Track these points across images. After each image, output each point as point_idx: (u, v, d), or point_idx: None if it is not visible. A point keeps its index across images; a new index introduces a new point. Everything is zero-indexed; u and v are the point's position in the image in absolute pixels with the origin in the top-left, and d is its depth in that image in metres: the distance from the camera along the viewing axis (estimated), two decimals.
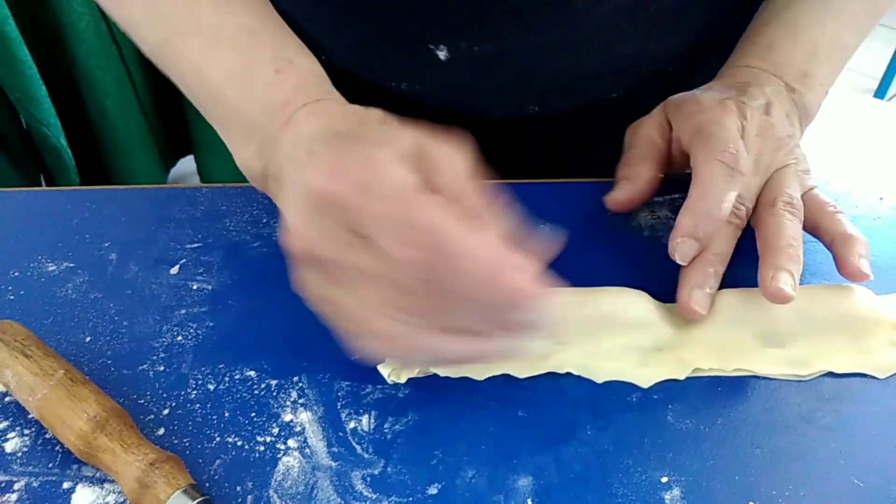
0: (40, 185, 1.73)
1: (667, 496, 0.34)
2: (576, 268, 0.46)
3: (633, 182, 0.47)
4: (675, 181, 0.49)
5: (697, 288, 0.41)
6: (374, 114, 0.37)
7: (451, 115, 0.58)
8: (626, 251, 0.47)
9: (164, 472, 0.33)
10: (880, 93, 2.20)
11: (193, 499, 0.32)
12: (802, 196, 0.44)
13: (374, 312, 0.33)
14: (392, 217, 0.31)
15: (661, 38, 0.54)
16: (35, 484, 0.35)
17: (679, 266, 0.42)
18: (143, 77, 1.70)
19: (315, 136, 0.35)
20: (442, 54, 0.52)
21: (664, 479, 0.35)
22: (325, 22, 0.52)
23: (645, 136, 0.48)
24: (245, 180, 0.44)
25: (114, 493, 0.35)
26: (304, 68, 0.42)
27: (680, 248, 0.41)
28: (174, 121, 1.83)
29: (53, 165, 1.66)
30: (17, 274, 0.45)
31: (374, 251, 0.32)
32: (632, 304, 0.41)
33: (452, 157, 0.34)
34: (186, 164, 1.96)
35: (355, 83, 0.45)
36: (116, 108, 1.65)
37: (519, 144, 0.62)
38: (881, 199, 0.51)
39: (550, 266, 0.46)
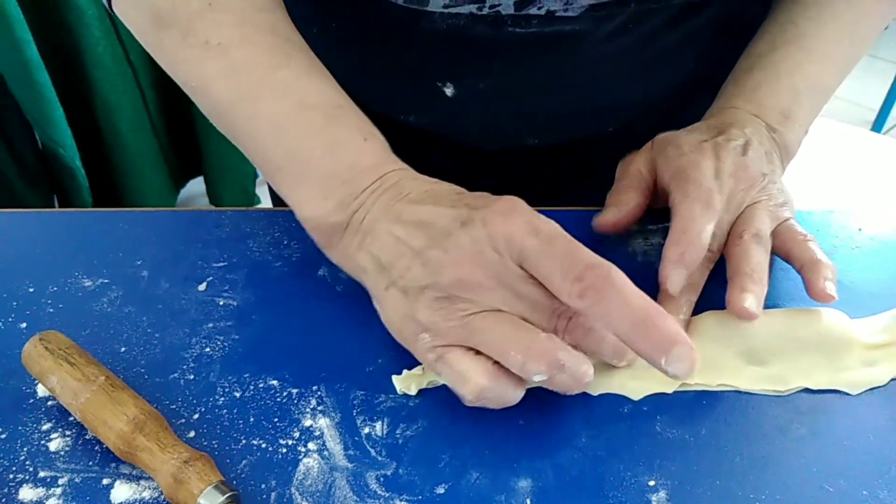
0: (53, 205, 1.77)
1: (654, 498, 0.37)
2: None
3: (619, 208, 0.50)
4: (665, 212, 0.53)
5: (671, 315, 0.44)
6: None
7: (455, 145, 0.62)
8: None
9: (198, 470, 0.36)
10: (877, 126, 2.25)
11: (223, 493, 0.35)
12: (778, 226, 0.48)
13: (531, 328, 0.38)
14: (568, 256, 0.36)
15: (655, 77, 0.58)
16: (77, 480, 0.38)
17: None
18: (157, 101, 1.75)
19: (431, 192, 0.41)
20: (448, 91, 0.56)
21: (651, 483, 0.38)
22: (340, 57, 0.56)
23: (634, 169, 0.51)
24: (249, 203, 0.48)
25: (149, 489, 0.38)
26: (383, 140, 0.46)
27: (671, 278, 0.44)
28: (185, 144, 1.88)
29: (67, 185, 1.70)
30: (55, 289, 0.49)
31: (536, 285, 0.38)
32: None
33: None
34: (194, 186, 2.00)
35: (366, 113, 0.49)
36: (130, 130, 1.70)
37: (517, 174, 0.66)
38: (860, 230, 0.55)
39: None
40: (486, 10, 0.49)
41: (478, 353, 0.38)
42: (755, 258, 0.45)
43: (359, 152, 0.44)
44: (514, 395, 0.39)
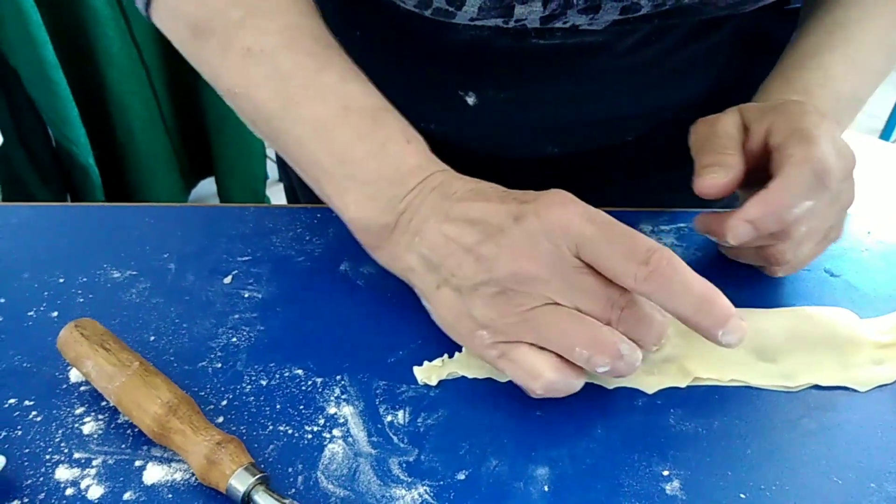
0: (66, 202, 1.79)
1: (667, 487, 0.39)
2: None
3: (727, 170, 0.45)
4: (681, 213, 0.54)
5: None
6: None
7: (474, 154, 0.63)
8: None
9: (229, 452, 0.37)
10: (885, 134, 2.26)
11: (254, 475, 0.37)
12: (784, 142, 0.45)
13: (590, 321, 0.38)
14: (628, 241, 0.37)
15: (676, 89, 0.59)
16: (111, 461, 0.40)
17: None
18: (170, 102, 1.77)
19: (487, 191, 0.42)
20: (470, 100, 0.57)
21: (665, 473, 0.39)
22: (362, 65, 0.58)
23: (724, 130, 0.47)
24: (259, 200, 0.49)
25: (181, 471, 0.39)
26: (423, 142, 0.46)
27: (735, 230, 0.43)
28: (196, 145, 1.90)
29: (80, 184, 1.72)
30: (84, 280, 0.51)
31: (591, 273, 0.38)
32: None
33: None
34: (204, 187, 2.02)
35: None
36: (143, 130, 1.72)
37: (536, 182, 0.67)
38: (868, 233, 0.56)
39: None
40: (511, 24, 0.50)
41: (541, 347, 0.39)
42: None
43: (404, 154, 0.44)
44: (579, 383, 0.40)
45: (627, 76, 0.56)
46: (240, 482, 0.36)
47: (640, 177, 0.60)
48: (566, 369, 0.39)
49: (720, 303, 0.37)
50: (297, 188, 0.74)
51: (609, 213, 0.55)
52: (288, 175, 0.76)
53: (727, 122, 0.48)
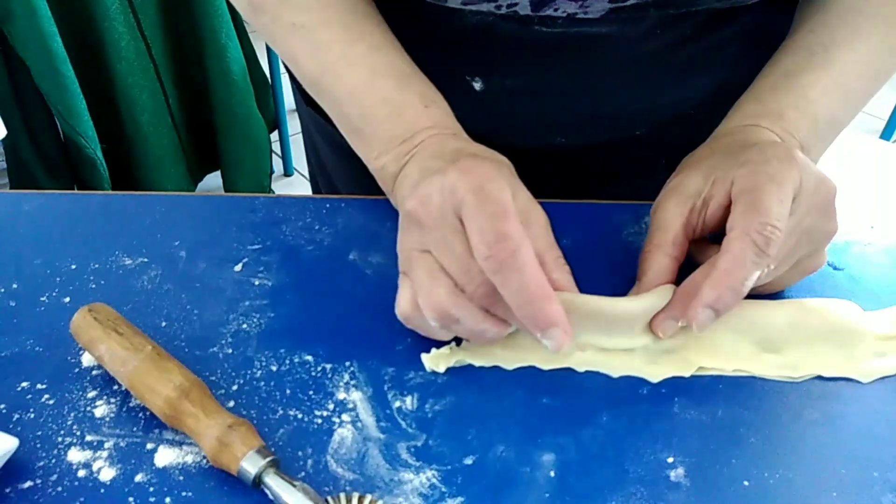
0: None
1: (672, 474, 0.39)
2: (592, 283, 0.50)
3: (644, 281, 0.46)
4: None
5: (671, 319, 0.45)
6: (503, 158, 0.48)
7: (483, 141, 0.63)
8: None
9: (241, 434, 0.38)
10: (886, 134, 2.26)
11: (264, 458, 0.37)
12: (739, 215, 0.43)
13: (440, 279, 0.41)
14: (491, 221, 0.39)
15: (685, 84, 0.59)
16: (122, 444, 0.40)
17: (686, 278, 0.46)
18: (177, 96, 1.78)
19: (456, 150, 0.47)
20: (477, 85, 0.58)
21: (670, 460, 0.40)
22: None
23: (661, 219, 0.47)
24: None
25: (192, 454, 0.40)
26: (445, 108, 0.52)
27: (699, 318, 0.42)
28: (203, 138, 1.90)
29: (88, 176, 1.72)
30: (96, 266, 0.51)
31: (464, 238, 0.40)
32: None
33: (544, 218, 0.44)
34: (210, 181, 2.03)
35: None
36: (150, 124, 1.73)
37: (544, 173, 0.67)
38: (872, 227, 0.56)
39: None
40: (504, 10, 0.51)
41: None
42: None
43: (418, 118, 0.50)
44: (431, 331, 0.44)
45: (634, 70, 0.56)
46: (251, 464, 0.37)
47: (649, 173, 0.60)
48: (420, 313, 0.43)
49: (546, 308, 0.39)
50: (317, 176, 0.77)
51: (617, 206, 0.56)
52: (309, 161, 0.78)
53: (673, 203, 0.47)
